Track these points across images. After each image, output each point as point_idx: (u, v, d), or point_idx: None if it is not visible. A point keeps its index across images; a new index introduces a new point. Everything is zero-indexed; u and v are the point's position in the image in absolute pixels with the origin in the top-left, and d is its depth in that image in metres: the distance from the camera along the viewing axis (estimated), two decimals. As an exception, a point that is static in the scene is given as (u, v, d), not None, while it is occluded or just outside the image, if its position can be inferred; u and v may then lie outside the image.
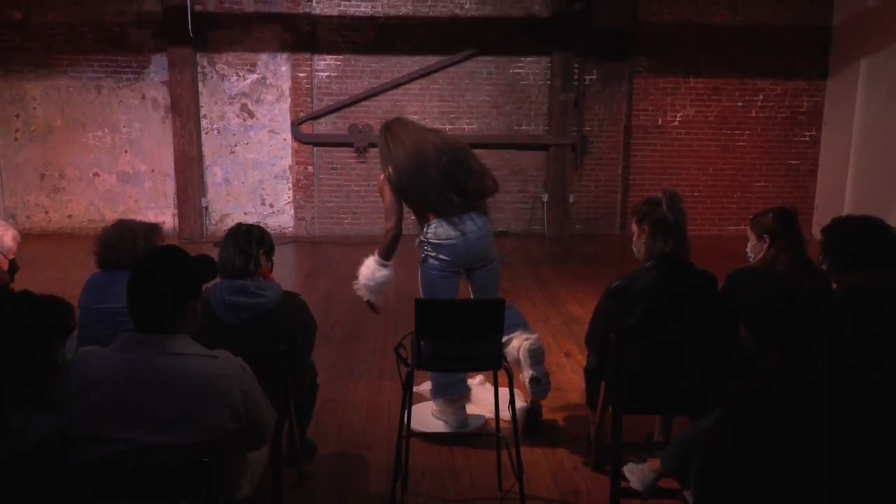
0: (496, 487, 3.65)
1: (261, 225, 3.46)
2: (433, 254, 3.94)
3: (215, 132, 10.14)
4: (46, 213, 10.17)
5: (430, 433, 4.13)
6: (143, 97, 10.01)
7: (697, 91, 10.16)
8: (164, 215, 10.24)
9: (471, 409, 4.36)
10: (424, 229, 3.97)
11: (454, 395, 4.13)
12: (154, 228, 3.57)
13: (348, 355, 5.47)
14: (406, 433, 3.50)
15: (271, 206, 10.34)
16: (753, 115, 10.23)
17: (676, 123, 10.24)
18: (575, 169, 10.39)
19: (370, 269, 4.11)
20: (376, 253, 4.11)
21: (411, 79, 10.05)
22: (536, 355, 4.08)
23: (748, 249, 3.64)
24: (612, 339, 3.33)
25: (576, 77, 10.09)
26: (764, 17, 9.96)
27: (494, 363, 3.44)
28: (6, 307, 2.22)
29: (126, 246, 3.39)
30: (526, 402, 4.27)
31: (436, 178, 3.86)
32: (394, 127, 4.05)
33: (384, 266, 4.09)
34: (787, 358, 2.24)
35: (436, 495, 3.59)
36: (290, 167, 10.23)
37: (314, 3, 9.86)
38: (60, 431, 2.13)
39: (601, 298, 3.55)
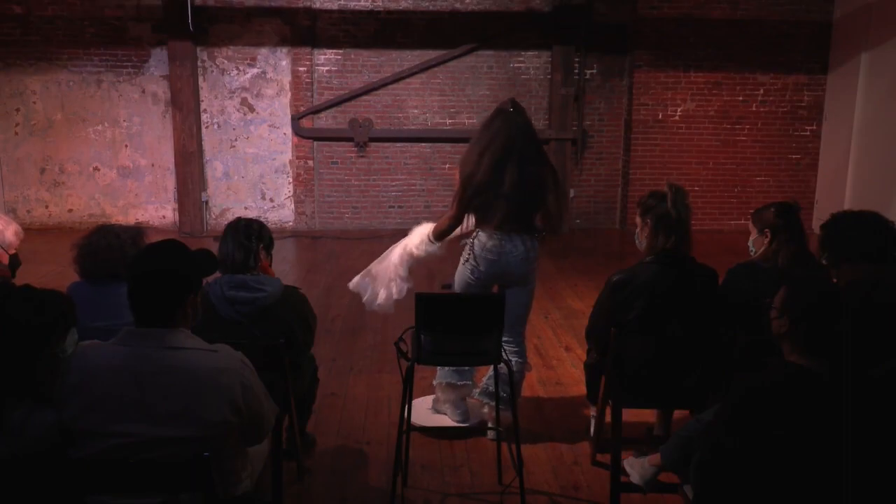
0: (496, 481, 3.65)
1: (260, 219, 3.45)
2: (473, 262, 3.87)
3: (215, 126, 10.13)
4: (46, 207, 10.17)
5: (431, 427, 4.13)
6: (143, 91, 10.00)
7: (698, 85, 10.14)
8: (165, 210, 10.25)
9: (471, 403, 4.38)
10: (475, 233, 3.90)
11: (459, 381, 4.12)
12: (140, 233, 3.36)
13: (348, 350, 5.47)
14: (406, 427, 3.50)
15: (271, 200, 10.34)
16: (754, 109, 10.22)
17: (677, 118, 10.22)
18: (575, 163, 10.38)
19: (419, 236, 4.06)
20: (431, 230, 4.03)
21: (412, 73, 10.04)
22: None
23: (750, 243, 3.65)
24: (613, 333, 3.33)
25: (576, 71, 10.07)
26: (764, 11, 9.93)
27: (494, 358, 3.45)
28: (6, 303, 2.22)
29: (116, 255, 3.19)
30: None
31: (505, 197, 3.77)
32: (502, 125, 3.82)
33: (431, 244, 4.02)
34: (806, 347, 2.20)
35: (436, 489, 3.60)
36: (291, 162, 10.23)
37: (314, -3, 9.86)
38: (61, 427, 2.13)
39: (602, 292, 3.56)
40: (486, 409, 4.18)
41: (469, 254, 3.90)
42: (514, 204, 3.79)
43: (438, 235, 4.01)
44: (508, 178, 3.74)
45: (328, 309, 6.41)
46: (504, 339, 3.63)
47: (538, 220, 3.95)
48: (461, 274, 3.96)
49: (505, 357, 3.46)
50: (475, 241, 3.88)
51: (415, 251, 4.06)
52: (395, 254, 4.08)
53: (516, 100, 3.98)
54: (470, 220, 3.97)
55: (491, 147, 3.77)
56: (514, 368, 3.76)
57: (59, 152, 10.05)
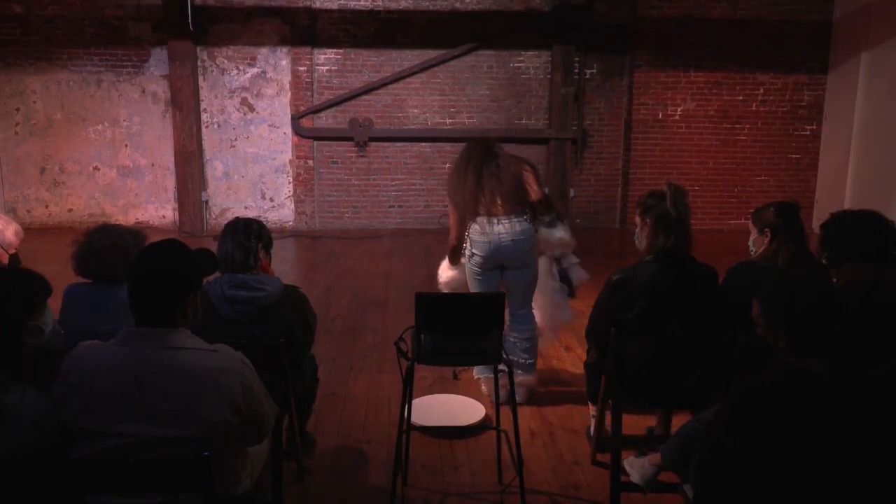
0: (496, 481, 3.66)
1: (260, 219, 3.44)
2: (471, 250, 4.28)
3: (215, 126, 10.13)
4: (47, 207, 10.17)
5: (431, 427, 4.14)
6: (144, 91, 10.00)
7: (698, 85, 10.14)
8: (165, 209, 10.25)
9: (469, 402, 4.40)
10: (469, 227, 4.28)
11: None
12: (141, 236, 3.33)
13: (348, 349, 5.47)
14: (406, 427, 3.51)
15: (271, 200, 10.34)
16: (754, 109, 10.22)
17: (677, 117, 10.22)
18: (575, 163, 10.39)
19: (442, 269, 4.62)
20: (446, 258, 4.57)
21: (412, 73, 10.04)
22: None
23: (750, 243, 3.65)
24: (613, 333, 3.33)
25: (576, 71, 10.08)
26: (764, 10, 9.93)
27: (494, 357, 3.45)
28: None
29: (119, 255, 3.17)
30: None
31: (487, 190, 4.21)
32: (470, 146, 4.38)
33: (452, 269, 4.55)
34: (795, 348, 2.20)
35: (436, 489, 3.60)
36: (291, 161, 10.23)
37: (314, -3, 9.86)
38: (61, 427, 2.13)
39: (602, 292, 3.56)
40: (484, 387, 4.51)
41: (467, 246, 4.31)
42: (497, 193, 4.21)
43: (453, 259, 4.50)
44: (486, 176, 4.20)
45: (328, 309, 6.41)
46: (513, 314, 4.37)
47: (534, 206, 4.34)
48: (467, 271, 4.36)
49: (505, 356, 3.46)
50: (470, 233, 4.29)
51: (443, 286, 4.61)
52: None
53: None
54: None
55: (466, 164, 4.26)
56: (525, 336, 4.42)
57: (59, 152, 10.05)
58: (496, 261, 4.26)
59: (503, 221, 4.19)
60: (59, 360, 2.25)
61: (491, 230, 4.19)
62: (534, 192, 4.29)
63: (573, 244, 4.55)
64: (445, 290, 4.57)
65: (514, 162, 4.32)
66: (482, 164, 4.22)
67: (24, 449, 2.09)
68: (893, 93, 8.77)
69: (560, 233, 4.44)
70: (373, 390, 4.73)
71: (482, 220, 4.20)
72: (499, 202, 4.19)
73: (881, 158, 8.96)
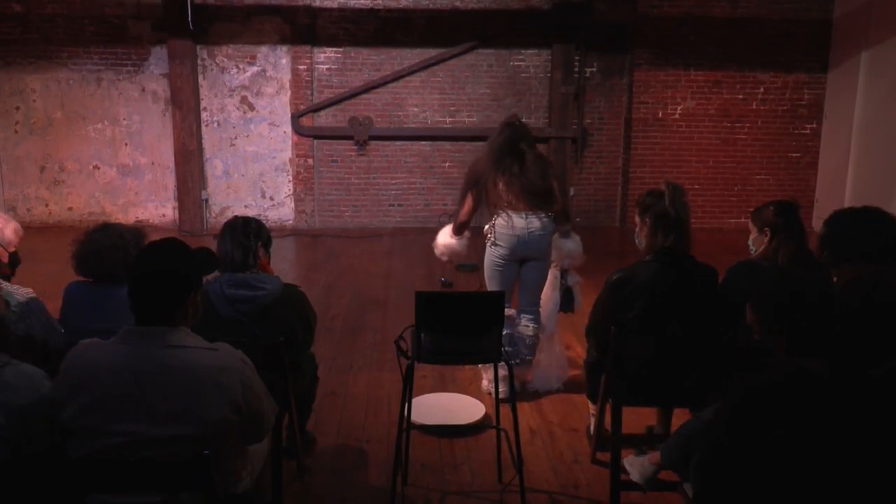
0: (496, 480, 3.66)
1: (259, 218, 3.44)
2: (494, 242, 4.42)
3: (215, 125, 10.12)
4: (47, 205, 10.17)
5: (431, 426, 4.14)
6: (143, 90, 9.99)
7: (698, 84, 10.14)
8: (165, 208, 10.25)
9: (469, 400, 4.41)
10: (495, 218, 4.42)
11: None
12: (142, 235, 3.32)
13: (348, 348, 5.47)
14: (406, 426, 3.51)
15: (271, 198, 10.33)
16: (754, 107, 10.21)
17: (677, 116, 10.22)
18: (575, 162, 10.38)
19: (442, 234, 4.74)
20: (450, 228, 4.70)
21: (411, 71, 10.03)
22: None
23: (750, 242, 3.65)
24: (613, 332, 3.33)
25: (576, 70, 10.07)
26: (765, 9, 9.93)
27: (494, 356, 3.45)
28: None
29: (119, 255, 3.16)
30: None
31: (517, 182, 4.36)
32: (508, 130, 4.47)
33: (453, 237, 4.68)
34: (791, 348, 2.21)
35: (436, 488, 3.60)
36: (291, 160, 10.22)
37: (314, -4, 9.85)
38: (61, 427, 2.14)
39: (602, 291, 3.56)
40: (484, 380, 4.64)
41: (491, 236, 4.43)
42: (526, 187, 4.35)
43: (458, 229, 4.63)
44: (517, 168, 4.34)
45: (328, 308, 6.41)
46: (524, 309, 4.53)
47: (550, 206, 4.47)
48: (487, 259, 4.51)
49: (504, 351, 3.46)
50: (496, 223, 4.40)
51: (440, 247, 4.75)
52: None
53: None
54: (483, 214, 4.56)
55: (499, 147, 4.39)
56: (531, 333, 4.55)
57: (59, 151, 10.05)
58: (520, 254, 4.41)
59: (531, 217, 4.36)
60: (59, 360, 2.25)
61: (519, 224, 4.34)
62: (557, 200, 4.48)
63: (583, 259, 4.68)
64: (441, 255, 4.76)
65: (541, 163, 4.48)
66: (509, 157, 4.36)
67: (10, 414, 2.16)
68: (893, 92, 8.77)
69: (572, 244, 4.60)
70: (373, 389, 4.73)
71: (508, 213, 4.35)
72: (523, 198, 4.35)
73: (881, 158, 8.96)
